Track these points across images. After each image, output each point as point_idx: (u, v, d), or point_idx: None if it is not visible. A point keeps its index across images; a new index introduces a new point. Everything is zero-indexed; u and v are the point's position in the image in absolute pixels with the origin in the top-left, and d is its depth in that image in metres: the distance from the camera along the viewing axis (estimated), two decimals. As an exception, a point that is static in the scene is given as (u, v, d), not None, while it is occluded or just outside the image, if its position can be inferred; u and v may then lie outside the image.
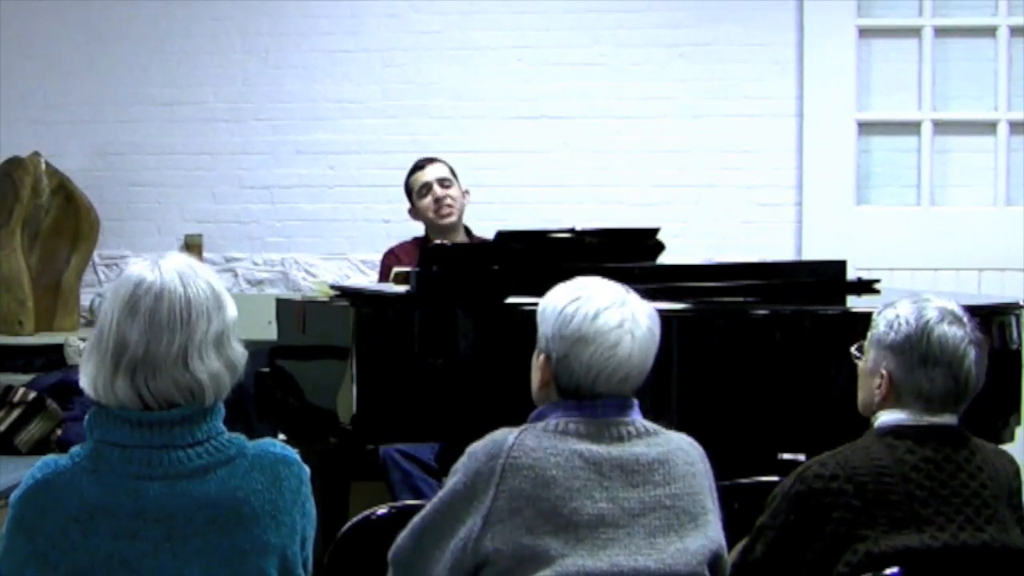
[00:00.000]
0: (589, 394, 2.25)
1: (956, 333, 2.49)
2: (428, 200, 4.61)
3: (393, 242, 4.86)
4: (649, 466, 2.23)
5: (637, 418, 2.28)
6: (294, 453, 2.16)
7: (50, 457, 2.07)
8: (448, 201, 4.60)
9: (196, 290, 2.06)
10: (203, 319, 2.05)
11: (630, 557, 2.16)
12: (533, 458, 2.17)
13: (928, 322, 2.49)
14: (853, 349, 2.64)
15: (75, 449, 2.06)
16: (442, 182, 4.62)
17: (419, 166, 4.71)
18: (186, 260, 2.12)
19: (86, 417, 2.08)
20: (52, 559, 2.00)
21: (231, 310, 2.12)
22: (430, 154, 4.83)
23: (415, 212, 4.70)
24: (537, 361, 2.33)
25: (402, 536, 2.30)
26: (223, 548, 2.03)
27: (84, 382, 2.07)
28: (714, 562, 2.26)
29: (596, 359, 2.24)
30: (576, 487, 2.17)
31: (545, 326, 2.30)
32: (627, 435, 2.24)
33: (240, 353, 2.12)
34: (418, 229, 4.80)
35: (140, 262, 2.10)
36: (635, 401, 2.30)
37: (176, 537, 2.02)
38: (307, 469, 2.16)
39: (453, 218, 4.60)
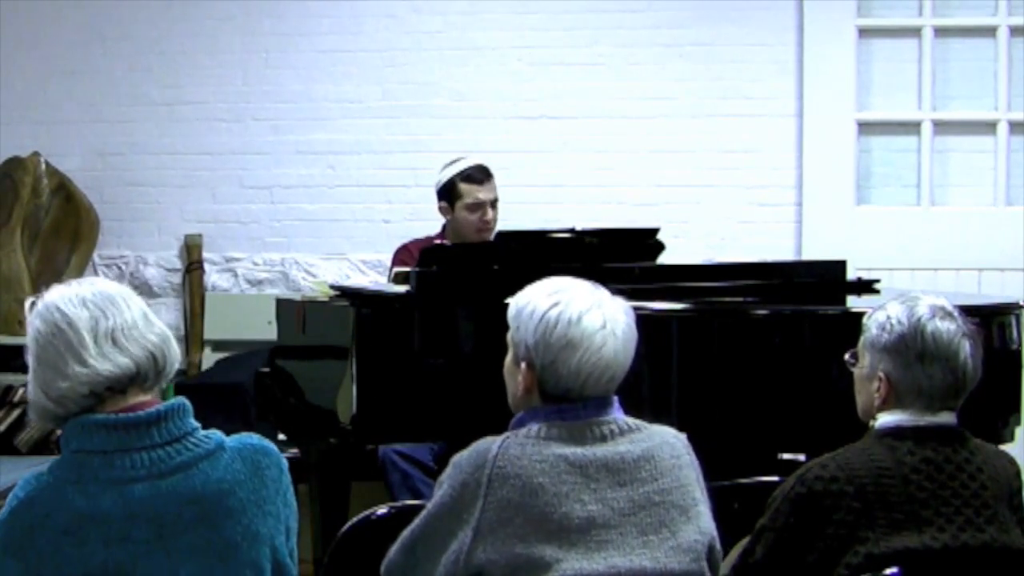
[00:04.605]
0: (578, 397, 2.24)
1: (949, 328, 2.49)
2: (475, 217, 4.47)
3: (393, 242, 4.85)
4: (635, 463, 2.22)
5: (618, 416, 2.27)
6: (272, 444, 2.17)
7: (29, 474, 2.08)
8: (493, 224, 4.48)
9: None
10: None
11: (625, 558, 2.15)
12: (519, 466, 2.16)
13: (920, 319, 2.49)
14: (847, 356, 2.64)
15: (52, 464, 2.07)
16: (494, 204, 4.50)
17: (476, 179, 4.50)
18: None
19: (61, 432, 2.10)
20: (45, 574, 1.99)
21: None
22: (479, 161, 4.61)
23: (449, 213, 4.52)
24: (517, 369, 2.28)
25: (393, 549, 2.29)
26: (215, 542, 2.04)
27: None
28: (707, 553, 2.25)
29: (584, 363, 2.22)
30: (564, 492, 2.15)
31: (525, 333, 2.26)
32: (610, 434, 2.23)
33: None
34: (420, 227, 4.77)
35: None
36: (615, 398, 2.29)
37: (167, 536, 2.02)
38: (285, 460, 2.17)
39: (489, 237, 4.48)
